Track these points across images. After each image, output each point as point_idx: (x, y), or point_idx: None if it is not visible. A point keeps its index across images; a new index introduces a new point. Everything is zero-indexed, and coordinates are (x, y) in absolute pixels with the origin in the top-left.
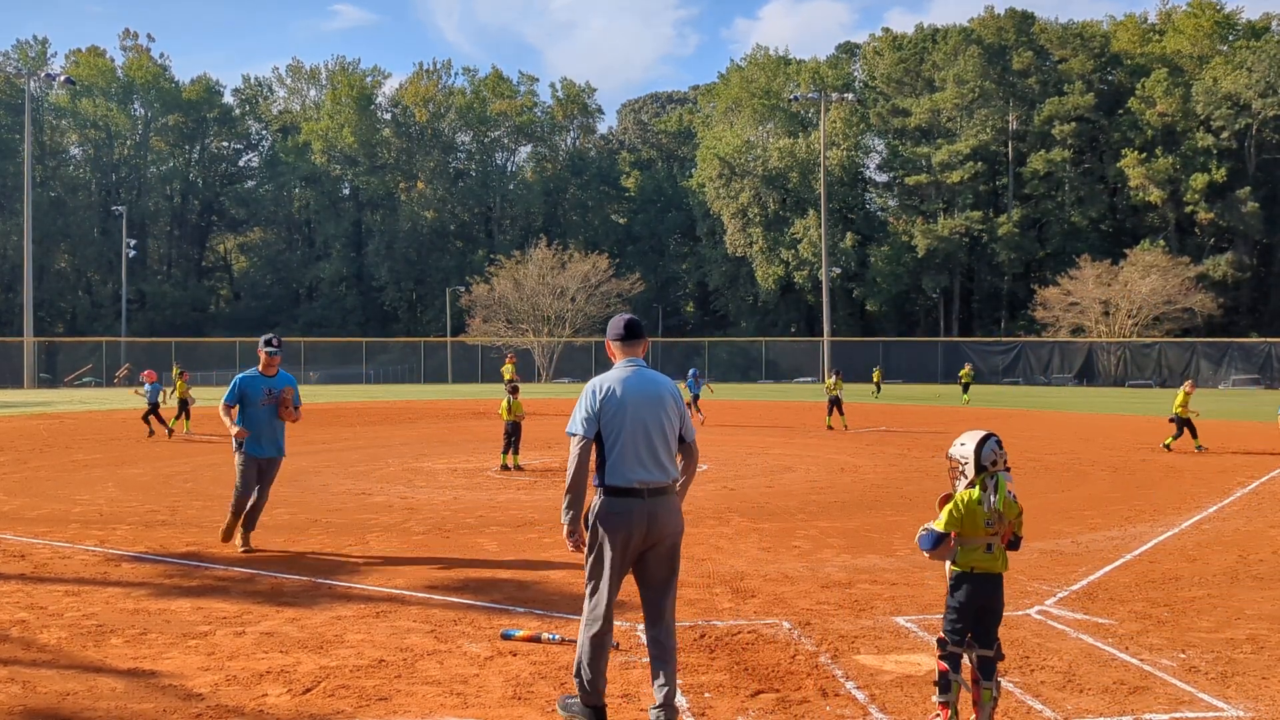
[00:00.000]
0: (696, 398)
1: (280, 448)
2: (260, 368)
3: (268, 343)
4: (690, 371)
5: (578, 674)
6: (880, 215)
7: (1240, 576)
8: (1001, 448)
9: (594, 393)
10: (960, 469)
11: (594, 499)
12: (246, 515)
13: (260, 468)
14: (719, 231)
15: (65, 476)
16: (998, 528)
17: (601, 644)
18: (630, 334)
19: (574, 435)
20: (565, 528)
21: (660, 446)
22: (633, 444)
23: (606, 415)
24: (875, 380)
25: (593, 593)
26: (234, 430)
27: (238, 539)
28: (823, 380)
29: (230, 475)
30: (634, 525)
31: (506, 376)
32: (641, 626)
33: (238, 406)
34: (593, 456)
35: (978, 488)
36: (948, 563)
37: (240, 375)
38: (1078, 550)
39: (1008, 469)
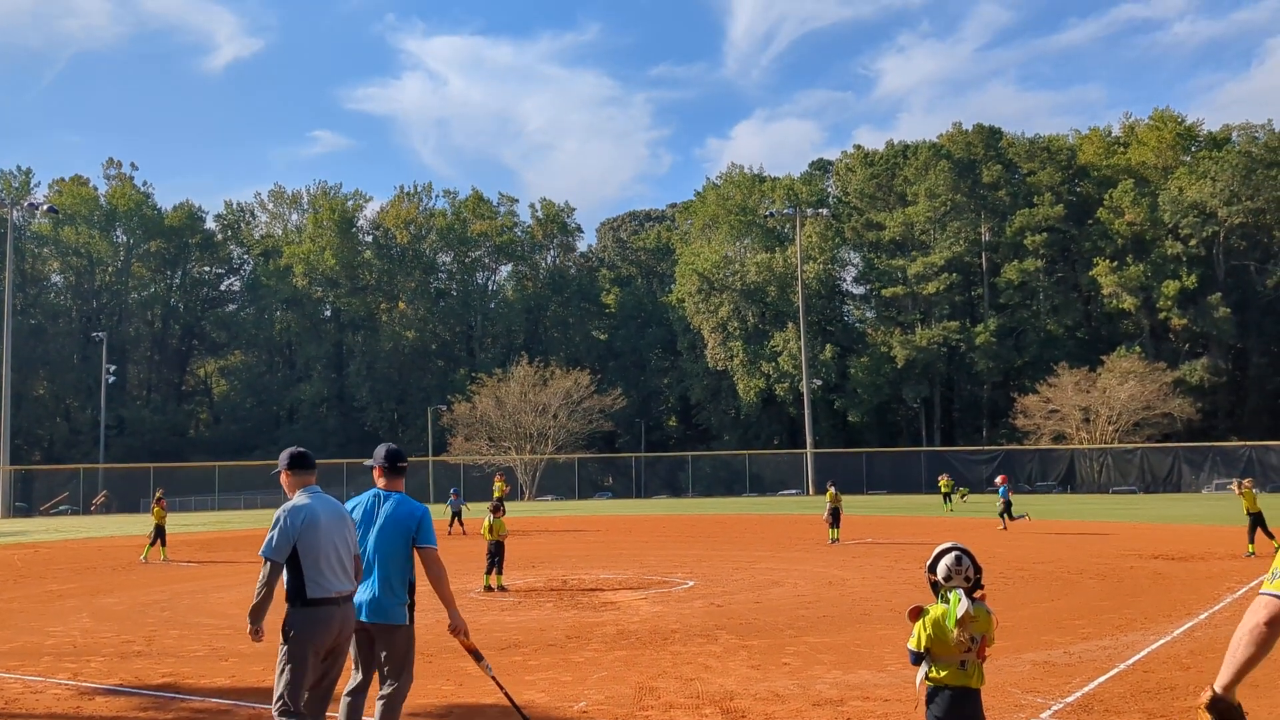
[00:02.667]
0: (457, 514)
1: None
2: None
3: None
4: (451, 490)
5: None
6: (859, 327)
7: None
8: (962, 562)
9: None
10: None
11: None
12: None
13: None
14: (699, 346)
15: (39, 607)
16: (965, 643)
17: None
18: (302, 464)
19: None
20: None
21: (348, 560)
22: (326, 559)
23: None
24: (944, 490)
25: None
26: None
27: None
28: (808, 492)
29: (206, 603)
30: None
31: (496, 495)
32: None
33: None
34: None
35: (940, 602)
36: (920, 675)
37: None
38: (1070, 661)
39: (974, 583)
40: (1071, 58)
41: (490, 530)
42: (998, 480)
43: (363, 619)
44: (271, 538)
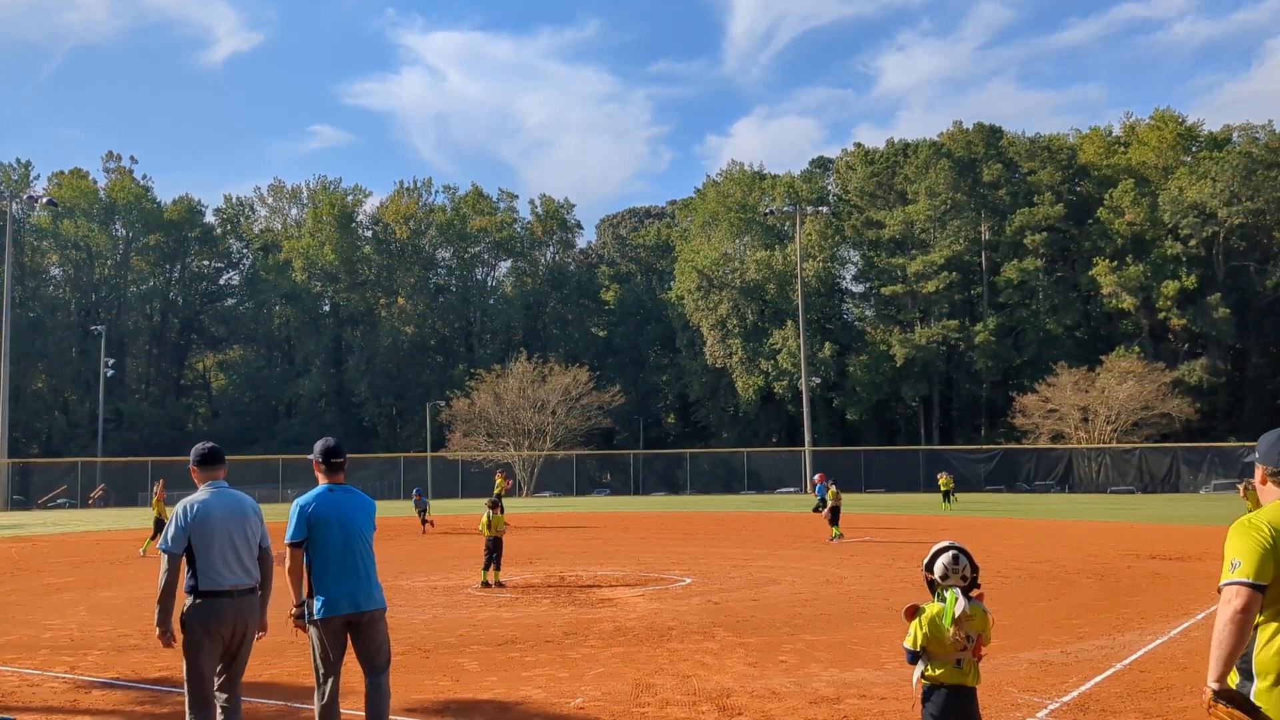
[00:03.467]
0: (423, 512)
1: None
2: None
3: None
4: (415, 490)
5: None
6: (858, 325)
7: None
8: (959, 561)
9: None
10: (926, 581)
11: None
12: None
13: None
14: (698, 343)
15: (36, 601)
16: (961, 641)
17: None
18: (208, 460)
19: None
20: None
21: (245, 553)
22: (221, 552)
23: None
24: (944, 488)
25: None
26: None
27: None
28: (806, 490)
29: None
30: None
31: (496, 491)
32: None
33: None
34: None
35: (936, 600)
36: (916, 674)
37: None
38: (1067, 660)
39: (971, 582)
40: (1072, 57)
41: (488, 526)
42: (817, 478)
43: (352, 610)
44: (168, 532)
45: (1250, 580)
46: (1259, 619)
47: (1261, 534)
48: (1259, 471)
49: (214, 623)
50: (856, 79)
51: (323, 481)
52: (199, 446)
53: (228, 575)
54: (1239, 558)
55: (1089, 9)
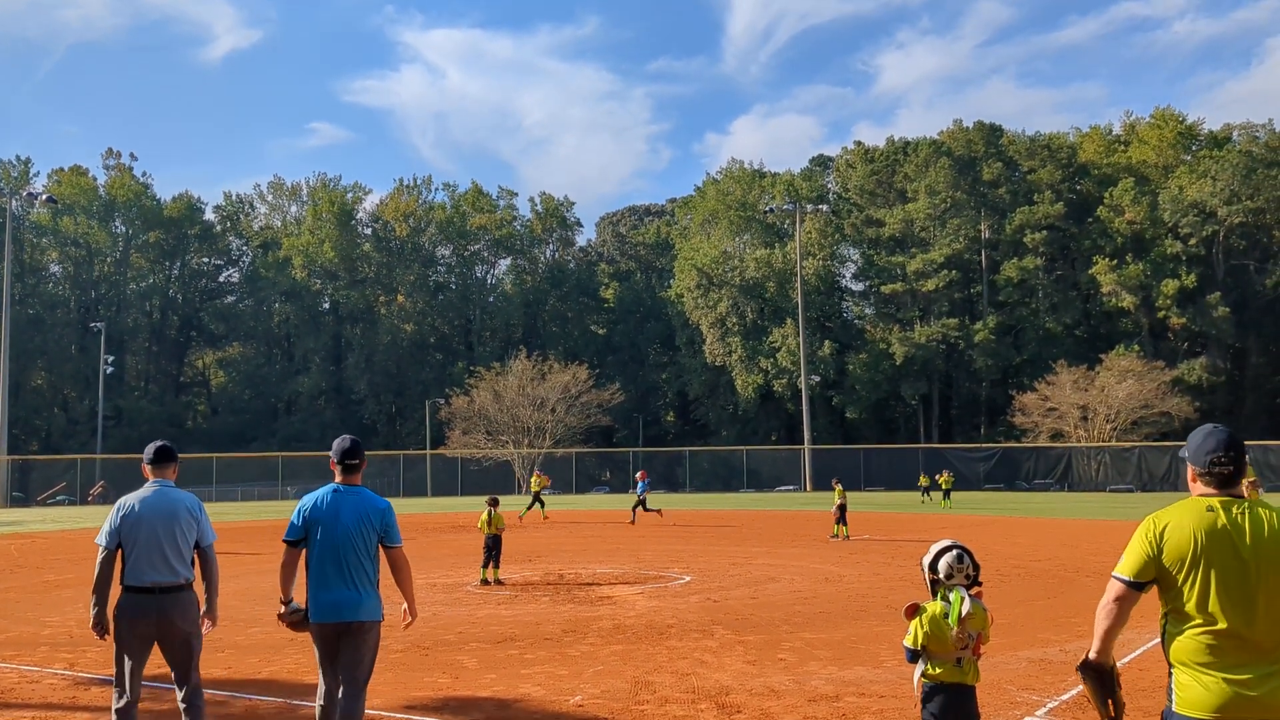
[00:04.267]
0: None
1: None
2: None
3: None
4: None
5: None
6: (857, 324)
7: None
8: (963, 560)
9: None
10: (928, 580)
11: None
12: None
13: None
14: (698, 341)
15: (35, 598)
16: (963, 640)
17: (128, 717)
18: (157, 457)
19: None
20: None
21: (171, 552)
22: (147, 549)
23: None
24: (944, 486)
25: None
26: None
27: None
28: (805, 489)
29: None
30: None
31: (535, 488)
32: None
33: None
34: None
35: (939, 600)
36: (916, 673)
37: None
38: (1066, 659)
39: (973, 580)
40: (1071, 55)
41: (488, 523)
42: (639, 475)
43: (334, 619)
44: (102, 529)
45: (1126, 578)
46: (1164, 609)
47: (1151, 539)
48: (1189, 469)
49: (136, 617)
50: (856, 77)
51: (336, 481)
52: (151, 445)
53: (150, 572)
54: (1126, 554)
55: (1088, 7)
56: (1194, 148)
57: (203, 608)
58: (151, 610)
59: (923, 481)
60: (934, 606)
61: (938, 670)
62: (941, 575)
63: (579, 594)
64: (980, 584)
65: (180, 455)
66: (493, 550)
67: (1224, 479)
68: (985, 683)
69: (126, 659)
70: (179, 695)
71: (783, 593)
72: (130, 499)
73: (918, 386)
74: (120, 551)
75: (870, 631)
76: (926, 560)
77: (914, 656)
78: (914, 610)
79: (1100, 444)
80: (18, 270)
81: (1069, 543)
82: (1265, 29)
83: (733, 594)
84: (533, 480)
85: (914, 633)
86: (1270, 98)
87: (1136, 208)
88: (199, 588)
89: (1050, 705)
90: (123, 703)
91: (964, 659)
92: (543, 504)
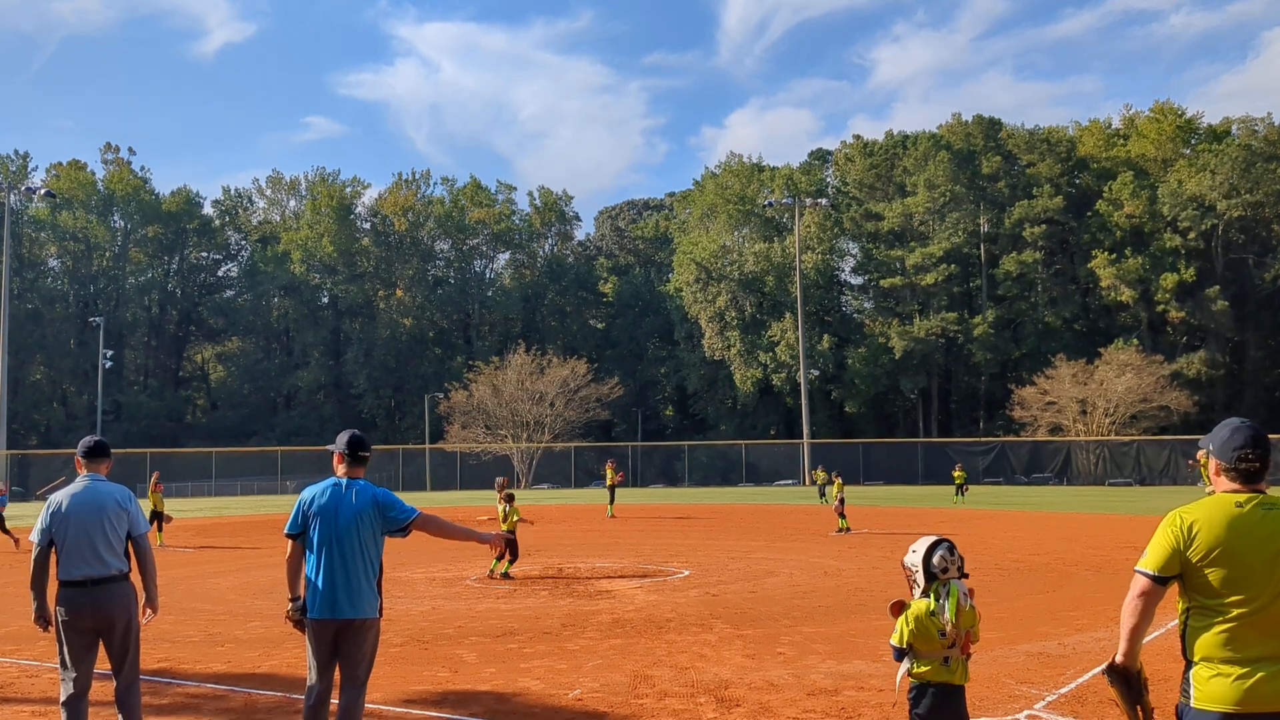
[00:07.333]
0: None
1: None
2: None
3: None
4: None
5: None
6: (856, 317)
7: None
8: (954, 554)
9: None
10: (913, 577)
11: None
12: None
13: None
14: (697, 335)
15: None
16: (953, 638)
17: (75, 708)
18: (89, 453)
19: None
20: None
21: (102, 545)
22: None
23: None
24: (958, 481)
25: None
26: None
27: None
28: (804, 482)
29: (202, 588)
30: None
31: (610, 481)
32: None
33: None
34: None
35: (931, 597)
36: (901, 671)
37: None
38: (1064, 652)
39: (965, 575)
40: (1067, 48)
41: (503, 519)
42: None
43: (330, 616)
44: (35, 525)
45: (1150, 572)
46: (1182, 605)
47: (1177, 533)
48: (1213, 464)
49: (71, 611)
50: (852, 70)
51: (340, 474)
52: (85, 440)
53: (81, 566)
54: (1150, 549)
55: (1084, 0)
56: (1193, 141)
57: (142, 598)
58: (86, 603)
59: (957, 480)
60: (920, 604)
61: (923, 669)
62: (936, 570)
63: (578, 588)
64: (967, 575)
65: (179, 450)
66: (510, 545)
67: (1250, 474)
68: (984, 676)
69: (68, 652)
70: (115, 687)
71: (782, 587)
72: (59, 495)
73: (917, 380)
74: (54, 548)
75: (869, 625)
76: (915, 558)
77: (900, 655)
78: (900, 608)
79: (1099, 438)
80: (16, 265)
81: (1068, 537)
82: (1261, 22)
83: (731, 588)
84: (607, 473)
85: (900, 630)
86: (1267, 91)
87: (1135, 201)
88: (138, 579)
89: (1048, 699)
90: (67, 695)
91: (951, 658)
92: (612, 499)
